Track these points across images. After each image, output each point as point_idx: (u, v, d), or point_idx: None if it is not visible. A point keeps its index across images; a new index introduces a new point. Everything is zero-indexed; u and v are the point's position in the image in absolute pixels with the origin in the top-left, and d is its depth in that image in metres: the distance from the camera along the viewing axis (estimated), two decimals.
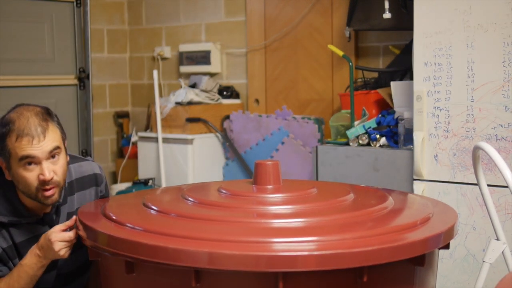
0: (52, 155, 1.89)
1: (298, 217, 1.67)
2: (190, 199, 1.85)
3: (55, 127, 1.92)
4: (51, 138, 1.89)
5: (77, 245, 2.00)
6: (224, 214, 1.71)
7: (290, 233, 1.57)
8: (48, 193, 1.89)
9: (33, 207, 1.98)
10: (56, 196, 1.92)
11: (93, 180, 2.14)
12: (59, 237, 1.87)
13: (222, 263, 1.45)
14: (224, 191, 1.89)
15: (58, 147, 1.90)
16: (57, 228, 1.89)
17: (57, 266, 2.04)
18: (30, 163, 1.87)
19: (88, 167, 2.15)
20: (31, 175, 1.87)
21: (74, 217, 1.91)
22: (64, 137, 1.96)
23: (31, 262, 1.90)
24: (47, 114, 1.92)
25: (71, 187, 2.06)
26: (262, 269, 1.45)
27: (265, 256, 1.45)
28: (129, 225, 1.66)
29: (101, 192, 2.18)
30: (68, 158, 1.98)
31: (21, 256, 1.96)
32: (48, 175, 1.87)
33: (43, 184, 1.88)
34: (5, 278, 1.93)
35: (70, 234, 1.87)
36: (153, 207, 1.80)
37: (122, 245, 1.58)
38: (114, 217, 1.74)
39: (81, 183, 2.09)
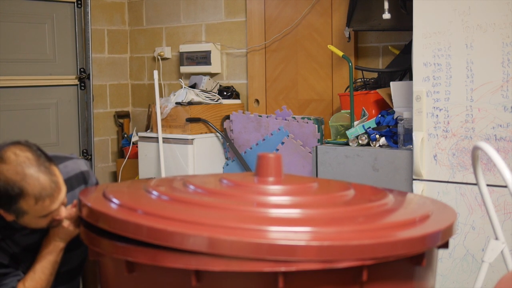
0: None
1: (299, 208, 1.67)
2: (191, 186, 1.85)
3: (56, 168, 1.86)
4: (62, 184, 1.86)
5: (71, 247, 2.03)
6: (225, 201, 1.70)
7: (290, 223, 1.57)
8: (59, 221, 1.93)
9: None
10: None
11: (81, 179, 2.10)
12: (64, 215, 1.92)
13: (222, 249, 1.44)
14: (225, 180, 1.89)
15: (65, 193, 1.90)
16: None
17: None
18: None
19: (74, 166, 2.10)
20: (46, 220, 1.89)
21: (75, 201, 1.93)
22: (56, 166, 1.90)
23: (49, 249, 1.95)
24: (44, 158, 1.84)
25: None
26: (262, 256, 1.44)
27: (266, 244, 1.44)
28: (129, 207, 1.66)
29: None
30: None
31: (21, 261, 1.98)
32: (63, 214, 1.91)
33: (53, 220, 1.91)
34: (28, 275, 1.95)
35: (73, 209, 1.92)
36: (154, 192, 1.80)
37: (121, 226, 1.57)
38: (114, 200, 1.73)
39: (69, 184, 2.02)
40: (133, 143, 4.78)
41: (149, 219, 1.55)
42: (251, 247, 1.44)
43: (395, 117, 3.25)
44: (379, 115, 3.37)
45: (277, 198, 1.75)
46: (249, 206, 1.68)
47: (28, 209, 1.80)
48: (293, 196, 1.77)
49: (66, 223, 1.93)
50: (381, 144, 3.25)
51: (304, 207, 1.68)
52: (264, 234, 1.49)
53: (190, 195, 1.77)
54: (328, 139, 3.58)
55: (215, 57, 4.56)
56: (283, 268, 1.45)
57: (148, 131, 4.61)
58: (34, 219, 1.85)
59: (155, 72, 4.46)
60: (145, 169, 4.41)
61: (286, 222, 1.57)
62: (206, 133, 4.29)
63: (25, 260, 2.00)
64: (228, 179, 1.89)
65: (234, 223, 1.52)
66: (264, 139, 4.14)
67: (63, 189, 1.86)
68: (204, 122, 4.26)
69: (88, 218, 1.72)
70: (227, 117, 4.35)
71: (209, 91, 4.42)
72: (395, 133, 3.23)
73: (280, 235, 1.49)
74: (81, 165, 2.13)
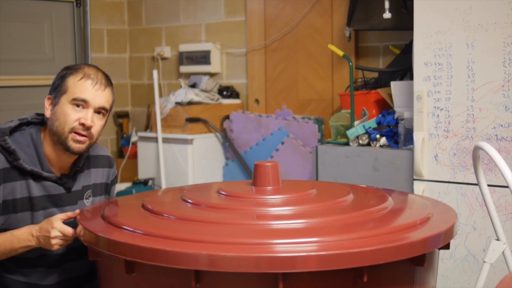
0: (98, 111, 1.99)
1: (298, 218, 1.67)
2: (189, 201, 1.85)
3: (113, 94, 2.06)
4: (106, 96, 2.01)
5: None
6: (224, 216, 1.71)
7: (289, 234, 1.57)
8: (79, 138, 1.96)
9: (54, 164, 2.01)
10: (83, 147, 1.98)
11: (107, 162, 2.21)
12: (60, 226, 1.88)
13: (222, 265, 1.45)
14: (223, 192, 1.89)
15: (106, 109, 2.01)
16: (59, 216, 1.90)
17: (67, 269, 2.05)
18: (79, 106, 1.95)
19: (102, 149, 2.24)
20: (74, 115, 1.95)
21: (77, 210, 1.93)
22: (112, 106, 2.07)
23: (21, 237, 1.92)
24: (111, 82, 2.08)
25: (88, 161, 2.12)
26: (262, 270, 1.45)
27: (265, 257, 1.45)
28: (128, 228, 1.67)
29: (113, 175, 2.23)
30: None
31: (35, 209, 1.97)
32: (89, 122, 1.95)
33: (80, 128, 1.95)
34: None
35: (70, 231, 1.87)
36: (152, 209, 1.80)
37: (121, 248, 1.58)
38: (113, 220, 1.74)
39: (96, 161, 2.15)
40: (132, 143, 4.77)
41: (148, 240, 1.56)
42: (253, 262, 1.45)
43: (395, 117, 3.24)
44: (380, 115, 3.36)
45: (277, 209, 1.75)
46: (248, 219, 1.68)
47: (71, 85, 1.95)
48: (292, 206, 1.77)
49: (54, 233, 1.87)
50: (381, 144, 3.24)
51: (304, 217, 1.68)
52: (265, 248, 1.49)
53: (188, 211, 1.79)
54: (329, 139, 3.56)
55: (214, 57, 4.55)
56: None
57: (148, 131, 4.60)
58: (65, 105, 1.94)
59: (155, 72, 4.45)
60: (144, 169, 4.40)
61: (285, 234, 1.57)
62: (206, 133, 4.28)
63: (38, 208, 1.98)
64: (226, 191, 1.89)
65: (234, 239, 1.53)
66: (264, 139, 4.13)
67: (104, 99, 1.99)
68: (204, 122, 4.25)
69: (89, 242, 1.71)
70: (227, 117, 4.34)
71: (209, 91, 4.41)
72: (395, 133, 3.22)
73: (280, 248, 1.49)
74: (108, 152, 2.27)
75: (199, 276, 1.51)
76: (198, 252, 1.47)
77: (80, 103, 1.95)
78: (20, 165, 1.94)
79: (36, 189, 1.97)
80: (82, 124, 1.94)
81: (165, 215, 1.75)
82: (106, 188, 2.20)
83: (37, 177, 1.98)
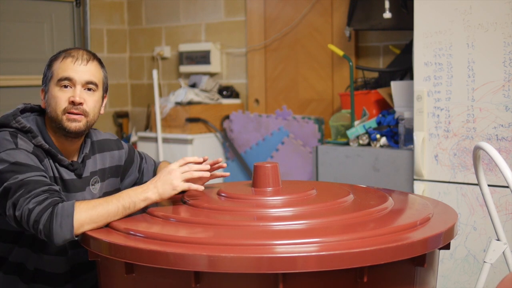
0: (88, 87, 1.96)
1: (298, 219, 1.67)
2: (189, 203, 1.85)
3: (100, 68, 2.01)
4: (92, 70, 1.97)
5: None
6: (224, 218, 1.71)
7: (290, 235, 1.57)
8: (73, 117, 1.93)
9: (63, 150, 2.00)
10: (80, 125, 1.95)
11: (112, 145, 2.18)
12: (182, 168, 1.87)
13: (222, 266, 1.45)
14: (223, 194, 1.90)
15: (95, 83, 1.97)
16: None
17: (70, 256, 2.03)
18: (66, 86, 1.94)
19: (106, 134, 2.21)
20: (63, 95, 1.93)
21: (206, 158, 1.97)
22: (105, 84, 2.03)
23: (135, 192, 1.81)
24: (97, 58, 2.03)
25: (92, 147, 2.11)
26: (262, 270, 1.45)
27: (265, 257, 1.45)
28: (128, 231, 1.66)
29: (126, 155, 2.20)
30: (104, 104, 2.05)
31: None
32: (78, 98, 1.93)
33: (71, 107, 1.93)
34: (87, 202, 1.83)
35: (205, 167, 1.93)
36: (152, 212, 1.80)
37: (121, 251, 1.58)
38: (112, 223, 1.74)
39: (101, 146, 2.13)
40: (132, 143, 4.77)
41: (149, 242, 1.57)
42: (253, 263, 1.45)
43: (396, 117, 3.24)
44: (380, 115, 3.36)
45: (277, 210, 1.75)
46: (249, 221, 1.69)
47: (55, 69, 1.95)
48: (292, 207, 1.77)
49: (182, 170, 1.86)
50: (381, 144, 3.24)
51: (304, 218, 1.68)
52: (265, 249, 1.49)
53: (188, 213, 1.79)
54: (329, 139, 3.56)
55: (214, 57, 4.54)
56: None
57: (148, 131, 4.59)
58: (53, 89, 1.94)
59: (155, 72, 4.45)
60: None
61: (286, 235, 1.57)
62: (205, 133, 4.27)
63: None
64: (226, 193, 1.89)
65: (234, 240, 1.53)
66: (264, 139, 4.13)
67: (89, 73, 1.96)
68: (204, 122, 4.24)
69: (92, 246, 1.71)
70: (227, 117, 4.34)
71: (209, 91, 4.41)
72: (396, 133, 3.21)
73: (281, 248, 1.49)
74: (114, 136, 2.25)
75: (199, 277, 1.51)
76: (198, 253, 1.47)
77: (66, 82, 1.93)
78: (38, 142, 1.93)
79: (54, 171, 1.97)
80: (72, 102, 1.93)
81: (166, 218, 1.75)
82: (117, 171, 2.17)
83: (52, 159, 1.97)
